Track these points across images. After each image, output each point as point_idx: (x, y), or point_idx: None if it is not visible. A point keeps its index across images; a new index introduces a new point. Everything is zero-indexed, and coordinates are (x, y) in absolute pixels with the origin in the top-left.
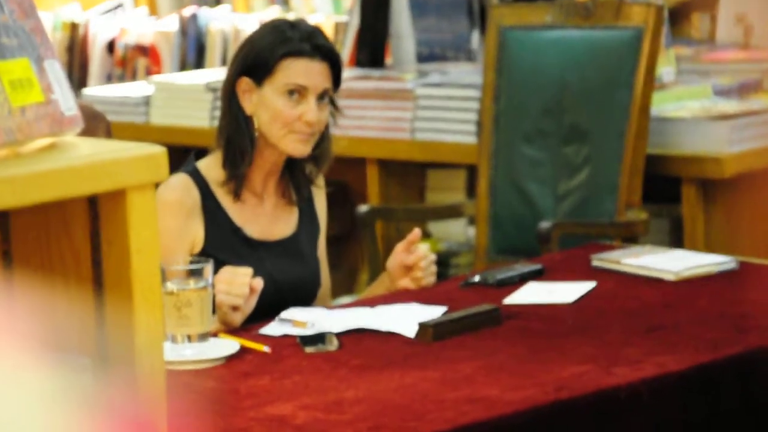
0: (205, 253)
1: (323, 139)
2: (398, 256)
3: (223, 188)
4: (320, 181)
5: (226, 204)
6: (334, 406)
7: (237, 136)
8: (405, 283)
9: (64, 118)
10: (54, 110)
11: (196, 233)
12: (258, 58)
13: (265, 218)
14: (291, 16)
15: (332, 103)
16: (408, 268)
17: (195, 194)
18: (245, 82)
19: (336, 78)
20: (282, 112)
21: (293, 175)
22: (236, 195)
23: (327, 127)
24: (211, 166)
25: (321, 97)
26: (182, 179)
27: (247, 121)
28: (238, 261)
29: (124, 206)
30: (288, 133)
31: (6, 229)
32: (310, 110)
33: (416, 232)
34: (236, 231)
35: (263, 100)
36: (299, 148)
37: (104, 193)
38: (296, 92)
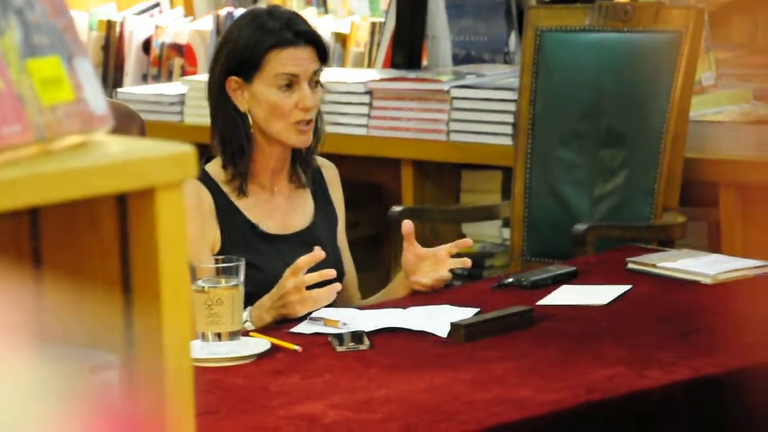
0: (224, 253)
1: (316, 119)
2: (411, 248)
3: (231, 187)
4: (326, 162)
5: (240, 203)
6: (364, 405)
7: (233, 134)
8: (420, 277)
9: (94, 116)
10: (84, 108)
11: (214, 235)
12: (242, 55)
13: (280, 212)
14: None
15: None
16: (422, 258)
17: (207, 198)
18: (234, 81)
19: (322, 58)
20: (278, 104)
21: (294, 162)
22: (241, 192)
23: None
24: (218, 168)
25: (312, 80)
26: (193, 185)
27: (243, 118)
28: (257, 257)
29: (152, 204)
30: (288, 126)
31: (36, 226)
32: (306, 96)
33: (468, 241)
34: (253, 228)
35: (256, 97)
36: (302, 139)
37: (133, 191)
38: (289, 82)
